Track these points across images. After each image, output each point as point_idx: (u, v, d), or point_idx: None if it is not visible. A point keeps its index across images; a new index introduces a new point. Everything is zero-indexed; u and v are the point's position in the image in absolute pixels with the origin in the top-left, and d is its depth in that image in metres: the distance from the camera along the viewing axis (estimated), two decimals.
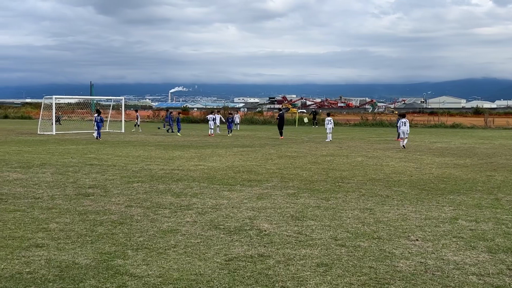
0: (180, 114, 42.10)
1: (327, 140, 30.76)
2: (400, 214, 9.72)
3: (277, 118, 36.23)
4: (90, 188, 12.27)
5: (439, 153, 22.96)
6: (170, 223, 8.72)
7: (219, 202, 10.67)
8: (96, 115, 32.09)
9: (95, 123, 31.60)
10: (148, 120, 68.82)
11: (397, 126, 34.06)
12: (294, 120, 60.84)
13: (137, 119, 41.58)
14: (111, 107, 44.54)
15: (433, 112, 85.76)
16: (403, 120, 26.34)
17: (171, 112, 43.61)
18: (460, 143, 29.93)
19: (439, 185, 13.40)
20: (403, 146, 25.47)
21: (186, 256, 6.92)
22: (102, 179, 13.79)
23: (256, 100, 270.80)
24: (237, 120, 48.01)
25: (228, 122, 39.42)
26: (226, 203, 10.51)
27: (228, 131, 37.68)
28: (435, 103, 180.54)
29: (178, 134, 36.35)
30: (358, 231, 8.34)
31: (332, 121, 32.17)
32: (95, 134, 31.78)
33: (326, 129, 31.80)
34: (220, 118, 39.98)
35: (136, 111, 41.97)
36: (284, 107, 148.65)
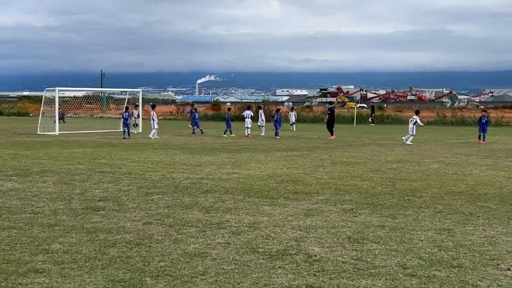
0: (194, 108, 43.35)
1: (407, 142, 30.26)
2: (487, 236, 9.55)
3: (328, 113, 35.92)
4: (101, 201, 12.46)
5: None
6: (197, 245, 8.78)
7: (257, 219, 10.68)
8: (125, 112, 35.49)
9: (123, 120, 34.80)
10: (171, 117, 69.62)
11: (478, 125, 33.49)
12: (352, 118, 60.48)
13: (134, 116, 41.12)
14: (126, 101, 45.10)
15: None
16: None
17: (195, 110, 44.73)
18: None
19: None
20: None
21: (217, 285, 6.95)
22: (115, 190, 14.00)
23: (304, 92, 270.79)
24: (293, 118, 47.97)
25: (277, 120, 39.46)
26: (266, 221, 10.52)
27: (276, 132, 37.81)
28: None
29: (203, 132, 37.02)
30: (433, 258, 8.22)
31: (417, 120, 31.39)
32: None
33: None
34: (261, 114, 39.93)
35: (136, 106, 41.76)
36: (339, 100, 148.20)
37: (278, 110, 40.27)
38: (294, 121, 47.49)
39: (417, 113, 32.99)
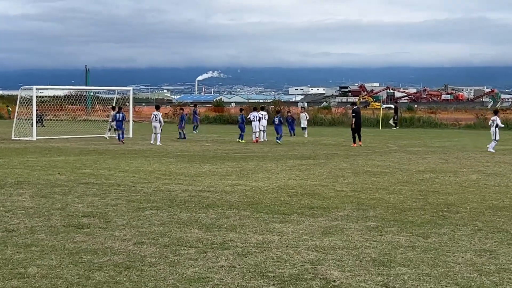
0: (182, 110, 44.57)
1: (489, 150, 29.84)
2: None
3: (352, 116, 35.51)
4: (85, 217, 12.48)
5: None
6: (197, 268, 8.78)
7: (267, 238, 10.68)
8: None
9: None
10: (166, 120, 69.68)
11: None
12: (377, 120, 60.45)
13: (112, 119, 40.85)
14: (114, 101, 45.21)
15: None
16: None
17: (185, 108, 45.38)
18: None
19: None
20: None
21: None
22: (101, 204, 14.02)
23: (321, 90, 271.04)
24: (305, 122, 47.46)
25: (288, 122, 39.29)
26: (277, 240, 10.51)
27: (291, 133, 37.70)
28: None
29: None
30: (472, 284, 8.20)
31: (498, 121, 30.95)
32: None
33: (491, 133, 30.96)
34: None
35: (114, 108, 41.70)
36: (362, 100, 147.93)
37: (289, 112, 40.24)
38: (305, 125, 46.71)
39: (496, 113, 32.47)
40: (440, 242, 10.49)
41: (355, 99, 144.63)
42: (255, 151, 29.88)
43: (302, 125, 46.41)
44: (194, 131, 47.42)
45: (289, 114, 46.80)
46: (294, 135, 42.92)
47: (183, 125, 40.40)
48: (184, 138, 38.95)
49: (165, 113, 74.32)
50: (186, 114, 57.78)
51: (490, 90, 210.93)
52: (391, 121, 59.11)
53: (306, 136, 44.00)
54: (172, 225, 11.73)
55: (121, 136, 35.34)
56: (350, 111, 39.97)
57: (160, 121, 34.64)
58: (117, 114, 36.14)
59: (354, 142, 33.72)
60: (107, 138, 38.76)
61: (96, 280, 8.23)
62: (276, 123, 36.54)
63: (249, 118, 38.26)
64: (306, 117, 47.81)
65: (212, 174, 19.88)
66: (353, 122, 34.23)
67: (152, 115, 35.43)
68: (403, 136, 45.51)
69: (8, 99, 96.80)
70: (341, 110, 75.59)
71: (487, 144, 31.18)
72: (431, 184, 17.87)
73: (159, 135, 34.18)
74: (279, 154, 28.06)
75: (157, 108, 37.09)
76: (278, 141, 35.50)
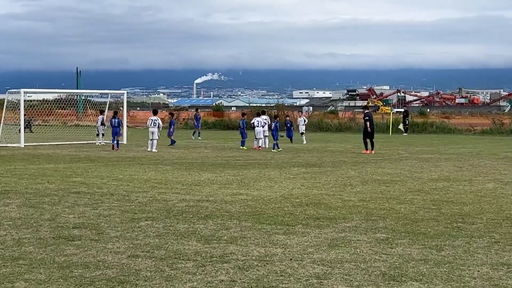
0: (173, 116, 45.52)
1: None
2: None
3: (365, 120, 34.91)
4: (76, 228, 12.47)
5: None
6: (195, 283, 8.77)
7: (270, 251, 10.67)
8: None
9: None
10: (163, 125, 69.79)
11: None
12: (387, 126, 60.44)
13: (101, 123, 40.52)
14: (107, 105, 45.26)
15: None
16: None
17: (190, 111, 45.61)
18: None
19: None
20: None
21: None
22: (93, 214, 14.01)
23: (327, 94, 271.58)
24: (303, 127, 46.51)
25: (287, 127, 38.99)
26: (280, 253, 10.51)
27: (290, 140, 37.50)
28: None
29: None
30: None
31: None
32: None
33: None
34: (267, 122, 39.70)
35: (101, 112, 41.64)
36: (371, 104, 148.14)
37: (288, 116, 40.31)
38: (303, 130, 45.47)
39: None
40: (454, 255, 10.48)
41: (364, 102, 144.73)
42: (257, 158, 29.87)
43: (300, 130, 45.35)
44: (193, 136, 47.40)
45: (287, 118, 46.75)
46: (292, 141, 42.59)
47: (171, 130, 40.66)
48: (173, 143, 39.10)
49: (161, 118, 74.52)
50: (185, 119, 58.19)
51: (507, 93, 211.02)
52: (401, 126, 59.04)
53: (305, 142, 42.78)
54: (168, 237, 11.72)
55: (115, 142, 35.46)
56: (362, 115, 39.56)
57: (159, 127, 34.74)
58: (113, 120, 36.37)
59: (367, 149, 33.25)
60: (99, 144, 38.86)
61: None
62: (272, 128, 36.41)
63: (252, 123, 38.17)
64: (304, 121, 46.90)
65: (211, 183, 19.88)
66: (368, 126, 33.64)
67: (150, 120, 35.32)
68: (414, 142, 45.48)
69: None
70: (348, 115, 75.56)
71: (504, 151, 31.15)
72: (444, 194, 17.86)
73: (155, 141, 34.17)
74: (282, 161, 28.05)
75: (155, 112, 37.26)
76: (277, 148, 35.01)
